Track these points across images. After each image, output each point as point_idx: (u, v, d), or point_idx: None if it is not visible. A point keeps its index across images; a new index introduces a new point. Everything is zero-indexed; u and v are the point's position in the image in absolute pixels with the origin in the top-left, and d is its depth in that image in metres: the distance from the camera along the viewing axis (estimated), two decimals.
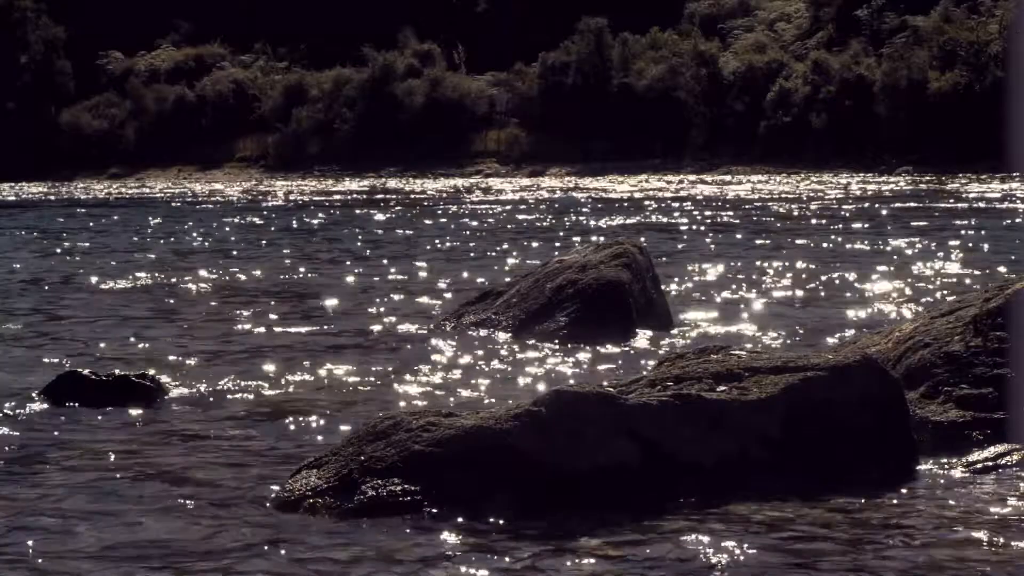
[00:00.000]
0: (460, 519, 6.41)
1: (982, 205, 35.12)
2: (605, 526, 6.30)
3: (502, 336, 12.20)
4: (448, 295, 15.84)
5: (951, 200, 38.24)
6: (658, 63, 75.07)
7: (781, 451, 6.93)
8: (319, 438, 8.26)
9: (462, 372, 10.58)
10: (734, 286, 16.46)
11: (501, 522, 6.36)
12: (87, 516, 6.58)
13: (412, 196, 49.95)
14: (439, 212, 37.67)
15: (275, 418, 8.96)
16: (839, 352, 7.85)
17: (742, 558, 5.87)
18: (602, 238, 20.54)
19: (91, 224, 34.04)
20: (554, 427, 6.72)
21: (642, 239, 15.87)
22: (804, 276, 17.57)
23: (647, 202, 40.88)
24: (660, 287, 13.27)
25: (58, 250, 24.66)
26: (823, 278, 17.25)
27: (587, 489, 6.62)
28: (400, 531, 6.30)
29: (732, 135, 69.52)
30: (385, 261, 21.19)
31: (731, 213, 34.05)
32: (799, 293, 15.84)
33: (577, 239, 24.05)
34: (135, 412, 9.15)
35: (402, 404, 9.24)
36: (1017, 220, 28.72)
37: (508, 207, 39.75)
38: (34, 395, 9.58)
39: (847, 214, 32.67)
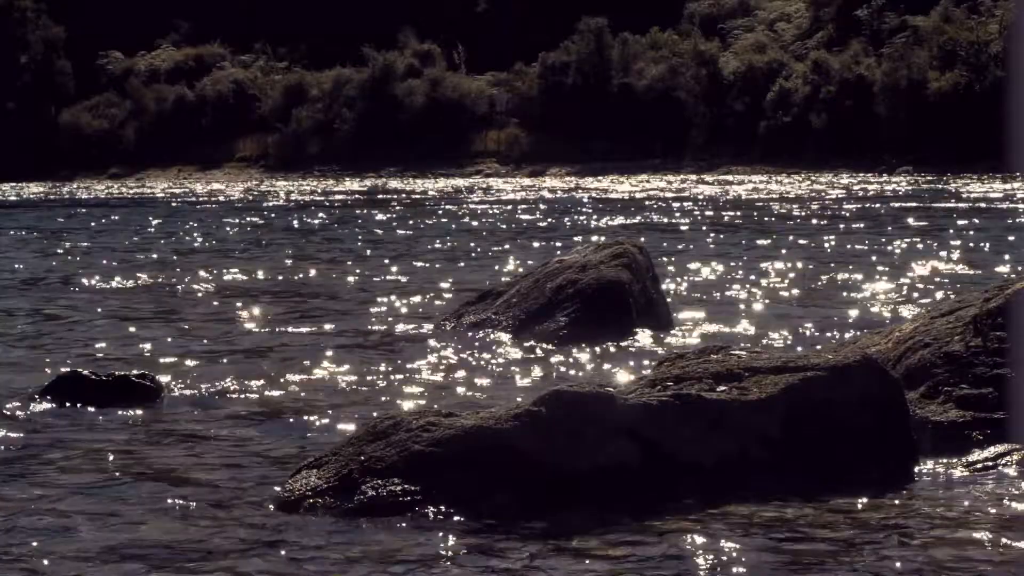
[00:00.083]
0: (460, 519, 6.41)
1: (982, 205, 35.12)
2: (605, 526, 6.30)
3: (502, 336, 12.20)
4: (448, 295, 15.84)
5: (951, 200, 38.25)
6: (658, 63, 75.12)
7: (781, 451, 6.93)
8: (319, 438, 8.26)
9: (462, 372, 10.58)
10: (734, 286, 16.46)
11: (501, 522, 6.36)
12: (87, 516, 6.58)
13: (412, 196, 49.95)
14: (439, 212, 37.68)
15: (275, 418, 8.95)
16: (839, 352, 7.85)
17: (742, 558, 5.87)
18: (602, 238, 20.54)
19: (91, 224, 34.04)
20: (554, 427, 6.72)
21: (642, 239, 15.87)
22: (804, 276, 17.57)
23: (647, 202, 40.88)
24: (660, 287, 13.27)
25: (58, 250, 24.67)
26: (823, 278, 17.25)
27: (587, 489, 6.62)
28: (400, 531, 6.30)
29: (732, 135, 69.56)
30: (385, 261, 21.19)
31: (731, 213, 34.05)
32: (799, 293, 15.84)
33: (577, 239, 24.05)
34: (135, 412, 9.15)
35: (402, 404, 9.24)
36: (1017, 220, 28.72)
37: (508, 207, 39.75)
38: (34, 395, 9.58)
39: (847, 214, 32.68)
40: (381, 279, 18.34)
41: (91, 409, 9.20)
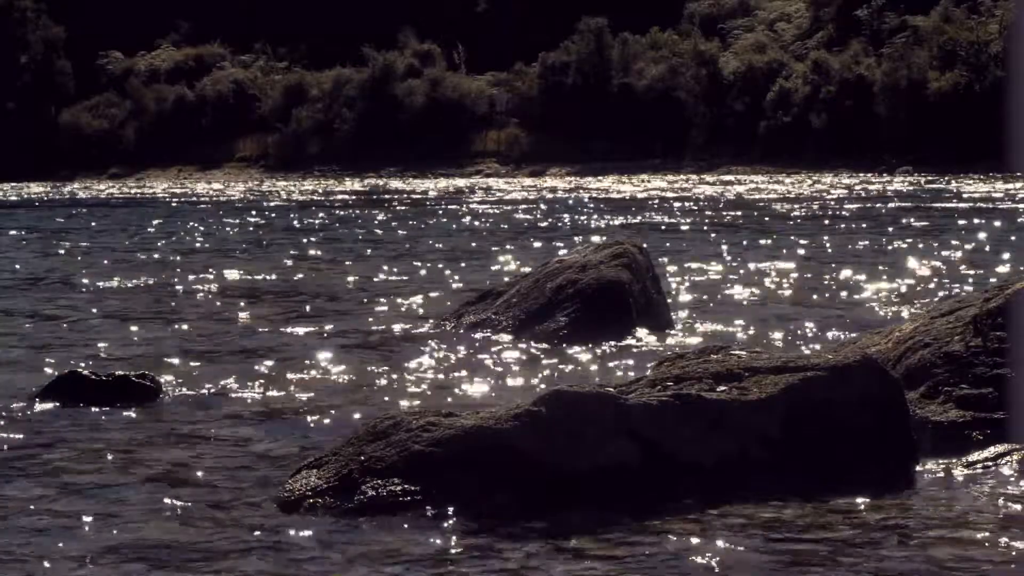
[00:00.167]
0: (460, 519, 6.41)
1: (982, 205, 35.12)
2: (605, 526, 6.30)
3: (502, 336, 12.20)
4: (448, 295, 15.84)
5: (951, 200, 38.25)
6: (658, 63, 75.13)
7: (781, 451, 6.93)
8: (319, 438, 8.26)
9: (462, 372, 10.58)
10: (734, 286, 16.46)
11: (501, 522, 6.36)
12: (87, 516, 6.58)
13: (412, 196, 49.95)
14: (439, 212, 37.68)
15: (275, 418, 8.96)
16: (839, 352, 7.85)
17: (742, 558, 5.87)
18: (602, 238, 20.54)
19: (91, 224, 34.05)
20: (554, 427, 6.72)
21: (642, 239, 15.87)
22: (804, 276, 17.57)
23: (647, 202, 40.89)
24: (660, 287, 13.26)
25: (58, 250, 24.67)
26: (823, 278, 17.25)
27: (587, 489, 6.62)
28: (400, 531, 6.30)
29: (732, 135, 69.56)
30: (385, 261, 21.19)
31: (731, 213, 34.05)
32: (799, 293, 15.83)
33: (577, 239, 24.06)
34: (135, 412, 9.15)
35: (402, 404, 9.24)
36: (1017, 220, 28.72)
37: (508, 207, 39.75)
38: (34, 395, 9.58)
39: (847, 214, 32.68)
40: (381, 279, 18.34)
41: (91, 409, 9.20)
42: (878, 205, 36.56)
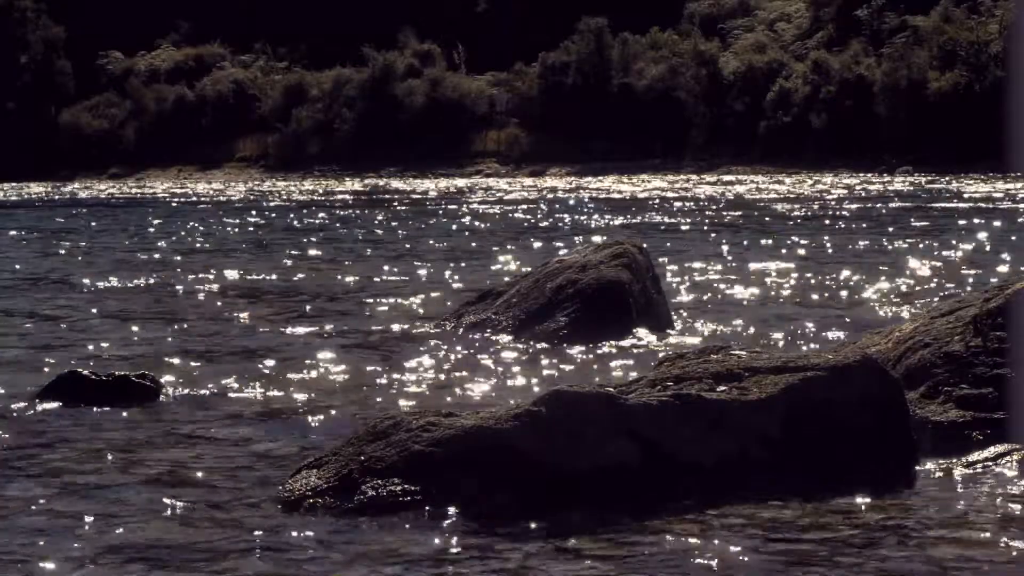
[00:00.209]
0: (460, 519, 6.41)
1: (982, 205, 35.12)
2: (605, 526, 6.30)
3: (502, 336, 12.20)
4: (448, 295, 15.84)
5: (951, 200, 38.25)
6: (658, 63, 75.13)
7: (781, 451, 6.94)
8: (319, 438, 8.26)
9: (462, 372, 10.58)
10: (734, 286, 16.46)
11: (501, 522, 6.36)
12: (86, 516, 6.58)
13: (412, 196, 49.95)
14: (439, 212, 37.68)
15: (275, 418, 8.96)
16: (839, 352, 7.85)
17: (742, 558, 5.87)
18: (602, 238, 20.54)
19: (91, 224, 34.05)
20: (554, 427, 6.72)
21: (642, 239, 15.87)
22: (804, 276, 17.57)
23: (647, 202, 40.89)
24: (660, 287, 13.26)
25: (58, 250, 24.67)
26: (823, 278, 17.25)
27: (587, 489, 6.62)
28: (400, 531, 6.30)
29: (732, 135, 69.57)
30: (385, 261, 21.19)
31: (731, 213, 34.05)
32: (799, 293, 15.83)
33: (578, 239, 24.06)
34: (135, 412, 9.15)
35: (402, 404, 9.24)
36: (1017, 220, 28.72)
37: (508, 207, 39.75)
38: (34, 395, 9.58)
39: (847, 214, 32.68)
40: (381, 279, 18.34)
41: (91, 409, 9.20)
42: (878, 205, 36.56)
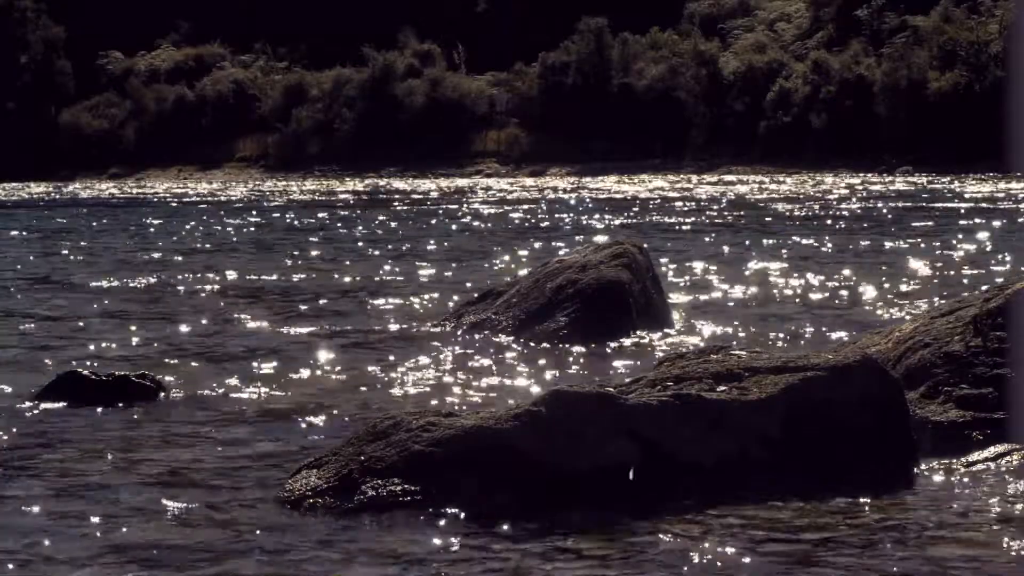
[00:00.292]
0: (460, 519, 6.41)
1: (982, 205, 35.12)
2: (605, 526, 6.30)
3: (502, 336, 12.20)
4: (448, 295, 15.84)
5: (951, 200, 38.25)
6: (658, 63, 75.12)
7: (781, 451, 6.94)
8: (319, 438, 8.26)
9: (462, 372, 10.58)
10: (734, 286, 16.46)
11: (501, 522, 6.36)
12: (86, 516, 6.58)
13: (412, 196, 49.96)
14: (439, 212, 37.68)
15: (275, 418, 8.96)
16: (839, 352, 7.85)
17: (742, 558, 5.87)
18: (603, 238, 20.54)
19: (91, 224, 34.05)
20: (554, 427, 6.72)
21: (642, 239, 15.87)
22: (804, 276, 17.57)
23: (647, 202, 40.89)
24: (660, 287, 13.26)
25: (58, 250, 24.67)
26: (823, 278, 17.25)
27: (587, 489, 6.62)
28: (400, 531, 6.30)
29: (732, 135, 69.56)
30: (385, 261, 21.19)
31: (731, 213, 34.06)
32: (799, 293, 15.84)
33: (578, 239, 24.06)
34: (135, 412, 9.15)
35: (402, 404, 9.23)
36: (1017, 220, 28.72)
37: (508, 207, 39.75)
38: (34, 395, 9.58)
39: (847, 214, 32.68)
40: (381, 279, 18.34)
41: (91, 409, 9.20)
42: (878, 205, 36.57)
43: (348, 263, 21.09)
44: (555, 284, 12.49)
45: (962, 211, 32.36)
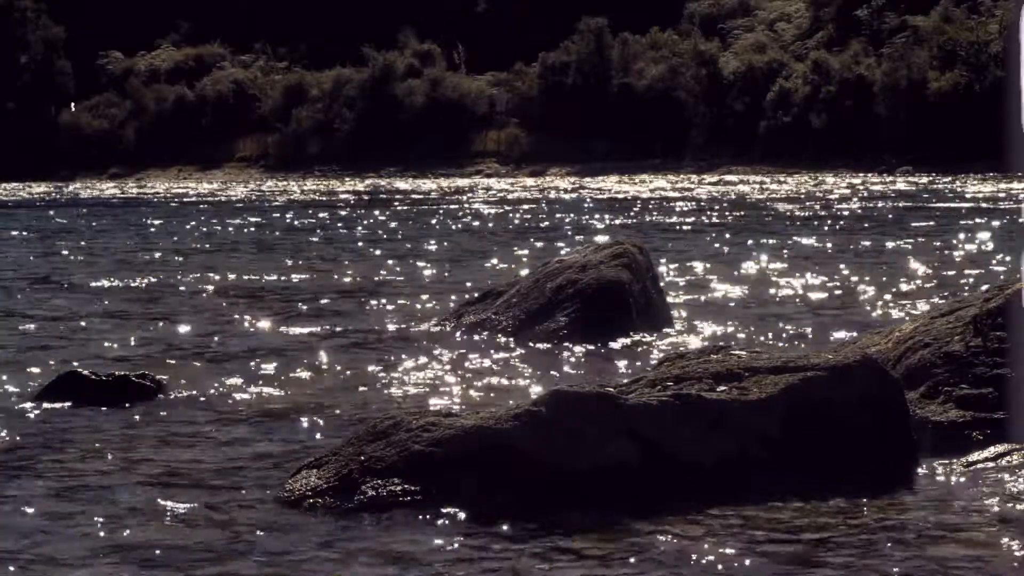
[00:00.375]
0: (460, 519, 6.41)
1: (982, 205, 35.12)
2: (605, 526, 6.30)
3: (502, 336, 12.20)
4: (448, 295, 15.84)
5: (951, 200, 38.25)
6: (658, 63, 75.11)
7: (781, 451, 6.93)
8: (319, 438, 8.26)
9: (462, 372, 10.58)
10: (735, 286, 16.46)
11: (501, 522, 6.36)
12: (86, 516, 6.58)
13: (412, 196, 49.96)
14: (439, 212, 37.68)
15: (275, 418, 8.96)
16: (839, 352, 7.85)
17: (742, 558, 5.87)
18: (603, 238, 20.54)
19: (91, 224, 34.05)
20: (554, 427, 6.72)
21: (642, 239, 15.87)
22: (804, 276, 17.57)
23: (647, 202, 40.89)
24: (660, 287, 13.27)
25: (58, 250, 24.67)
26: (823, 278, 17.25)
27: (587, 489, 6.62)
28: (400, 531, 6.30)
29: (732, 135, 69.55)
30: (385, 261, 21.19)
31: (731, 213, 34.06)
32: (800, 293, 15.84)
33: (579, 238, 24.06)
34: (135, 412, 9.15)
35: (402, 404, 9.23)
36: (1017, 220, 28.71)
37: (508, 207, 39.76)
38: (34, 395, 9.58)
39: (847, 214, 32.68)
40: (381, 279, 18.34)
41: (91, 409, 9.20)
42: (878, 205, 36.57)
43: (348, 263, 21.09)
44: (555, 284, 12.50)
45: (962, 211, 32.36)
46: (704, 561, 5.83)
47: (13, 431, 8.54)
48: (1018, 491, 6.81)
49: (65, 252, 24.16)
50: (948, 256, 20.15)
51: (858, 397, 7.11)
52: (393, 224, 31.99)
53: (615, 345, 11.71)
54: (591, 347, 11.59)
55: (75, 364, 10.54)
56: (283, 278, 18.78)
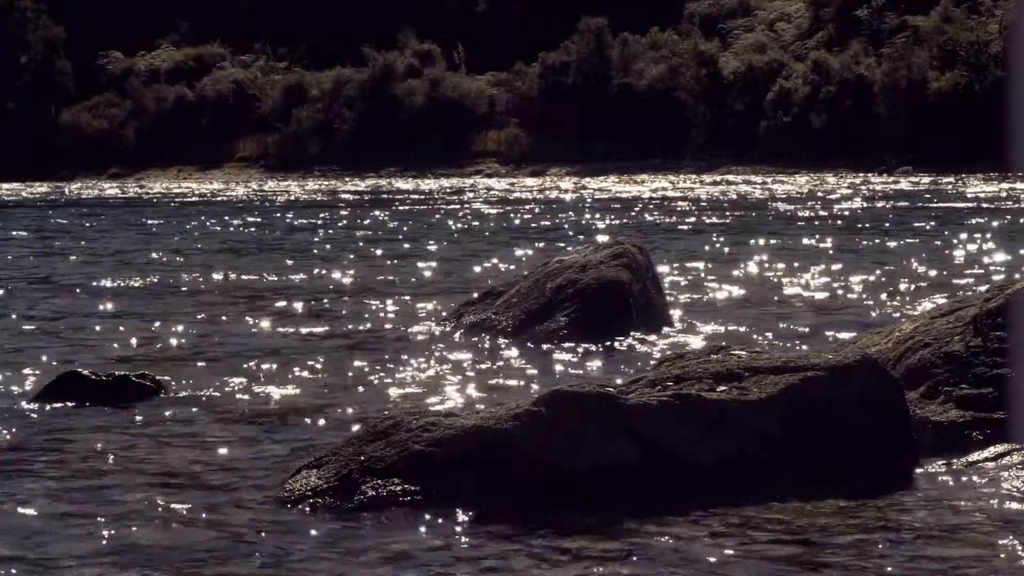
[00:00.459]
0: (460, 519, 6.41)
1: (982, 205, 35.12)
2: (605, 526, 6.30)
3: (502, 336, 12.20)
4: (448, 295, 15.84)
5: (951, 200, 38.25)
6: (658, 63, 75.12)
7: (781, 451, 6.93)
8: (319, 438, 8.26)
9: (462, 372, 10.58)
10: (734, 286, 16.47)
11: (501, 522, 6.36)
12: (86, 516, 6.58)
13: (412, 196, 49.95)
14: (439, 212, 37.68)
15: (275, 418, 8.96)
16: (839, 352, 7.85)
17: (742, 558, 5.87)
18: (603, 238, 20.54)
19: (91, 224, 34.05)
20: (554, 427, 6.72)
21: (642, 239, 15.87)
22: (804, 276, 17.58)
23: (647, 202, 40.89)
24: (660, 287, 13.26)
25: (58, 250, 24.66)
26: (823, 278, 17.25)
27: (587, 489, 6.62)
28: (400, 531, 6.30)
29: (732, 135, 69.55)
30: (386, 261, 21.19)
31: (731, 213, 34.05)
32: (799, 293, 15.84)
33: (580, 238, 24.06)
34: (135, 412, 9.15)
35: (402, 404, 9.23)
36: (1017, 220, 28.72)
37: (508, 207, 39.75)
38: (34, 395, 9.58)
39: (847, 214, 32.68)
40: (381, 279, 18.34)
41: (91, 409, 9.20)
42: (878, 205, 36.57)
43: (348, 263, 21.09)
44: (555, 284, 12.50)
45: (962, 211, 32.36)
46: (704, 561, 5.83)
47: (13, 431, 8.54)
48: (1018, 491, 6.81)
49: (65, 252, 24.16)
50: (948, 256, 20.15)
51: (858, 397, 7.11)
52: (393, 224, 31.99)
53: (615, 345, 11.71)
54: (591, 347, 11.59)
55: (75, 364, 10.54)
56: (283, 278, 18.78)
